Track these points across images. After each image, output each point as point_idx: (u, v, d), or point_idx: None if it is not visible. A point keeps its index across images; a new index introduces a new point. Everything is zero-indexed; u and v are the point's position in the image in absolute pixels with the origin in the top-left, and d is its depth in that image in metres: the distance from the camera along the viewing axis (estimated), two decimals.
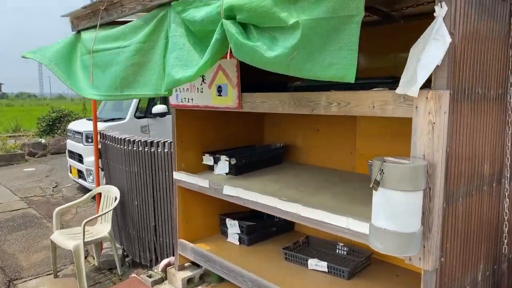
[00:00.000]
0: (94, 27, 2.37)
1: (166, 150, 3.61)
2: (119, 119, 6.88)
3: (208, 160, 3.06)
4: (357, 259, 2.72)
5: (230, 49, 1.53)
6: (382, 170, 1.47)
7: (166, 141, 3.65)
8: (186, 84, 2.83)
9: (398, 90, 1.57)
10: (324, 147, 3.12)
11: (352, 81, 1.33)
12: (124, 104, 7.31)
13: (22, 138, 13.41)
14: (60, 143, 11.06)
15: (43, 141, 11.67)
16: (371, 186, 1.49)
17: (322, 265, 2.62)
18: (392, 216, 1.48)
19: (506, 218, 2.12)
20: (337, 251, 2.89)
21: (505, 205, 2.12)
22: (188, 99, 2.84)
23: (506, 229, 2.13)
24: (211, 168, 3.12)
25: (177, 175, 3.02)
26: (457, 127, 1.64)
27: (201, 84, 2.70)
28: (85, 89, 2.14)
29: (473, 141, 1.78)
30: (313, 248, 3.00)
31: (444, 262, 1.67)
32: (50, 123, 12.69)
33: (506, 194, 2.10)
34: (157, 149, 3.67)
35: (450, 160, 1.61)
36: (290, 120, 3.35)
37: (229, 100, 2.51)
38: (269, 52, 1.38)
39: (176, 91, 2.94)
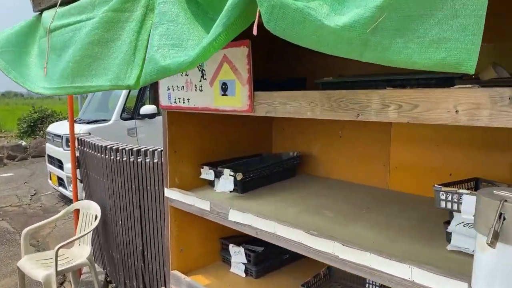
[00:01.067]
0: (61, 4, 1.79)
1: (156, 161, 3.04)
2: (104, 120, 6.28)
3: (207, 174, 2.50)
4: None
5: (259, 17, 0.96)
6: (503, 214, 0.93)
7: (156, 150, 3.07)
8: (179, 79, 2.26)
9: None
10: (349, 158, 2.57)
11: (472, 70, 0.78)
12: (109, 104, 6.71)
13: (1, 139, 12.66)
14: (41, 145, 10.38)
15: (23, 143, 10.96)
16: (488, 243, 0.93)
17: None
18: None
19: None
20: (367, 285, 2.35)
21: None
22: (184, 99, 2.27)
23: None
24: (211, 184, 2.55)
25: (170, 193, 2.46)
26: None
27: (200, 81, 2.14)
28: (34, 82, 1.56)
29: None
30: (337, 282, 2.45)
31: None
32: (32, 124, 11.97)
33: None
34: (145, 159, 3.09)
35: None
36: (306, 124, 2.80)
37: (237, 101, 1.95)
38: (334, 18, 0.82)
39: (169, 89, 2.36)
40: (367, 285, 2.35)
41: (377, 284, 2.32)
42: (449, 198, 1.42)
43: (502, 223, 0.92)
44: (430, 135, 2.18)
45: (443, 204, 1.45)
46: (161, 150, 2.94)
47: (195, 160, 2.56)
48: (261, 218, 1.88)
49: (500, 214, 0.92)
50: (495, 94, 1.13)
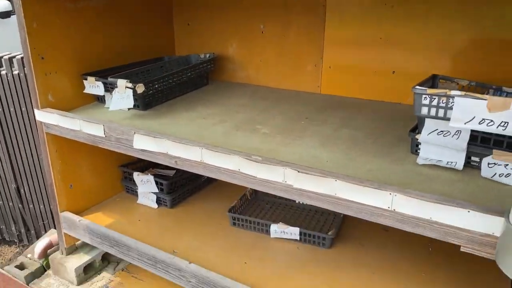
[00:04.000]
0: None
1: (16, 72, 2.25)
2: None
3: (94, 87, 1.87)
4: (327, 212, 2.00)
5: None
6: None
7: (15, 57, 2.26)
8: None
9: None
10: (274, 59, 2.14)
11: None
12: None
13: None
14: None
15: None
16: None
17: (292, 232, 1.83)
18: None
19: None
20: (297, 201, 2.12)
21: None
22: None
23: None
24: (101, 100, 1.95)
25: (43, 116, 1.80)
26: None
27: None
28: None
29: None
30: (264, 200, 2.18)
31: None
32: None
33: None
34: None
35: None
36: (216, 17, 2.24)
37: None
38: None
39: None
40: (296, 200, 2.12)
41: None
42: (435, 103, 1.12)
43: None
44: (370, 32, 1.83)
45: (425, 110, 1.15)
46: (22, 57, 2.16)
47: (74, 69, 1.89)
48: (181, 144, 1.41)
49: None
50: None
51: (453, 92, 1.06)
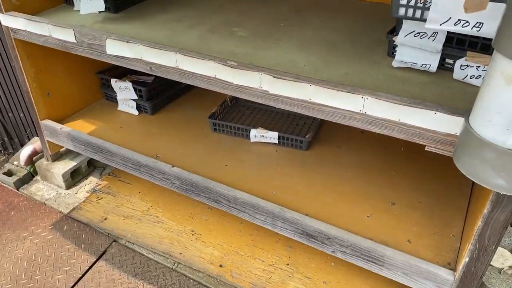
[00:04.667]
0: None
1: None
2: None
3: None
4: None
5: None
6: None
7: None
8: None
9: None
10: None
11: None
12: None
13: None
14: None
15: None
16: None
17: (271, 136, 1.89)
18: None
19: None
20: None
21: None
22: None
23: None
24: (69, 2, 1.84)
25: (8, 20, 1.71)
26: None
27: None
28: None
29: None
30: (244, 106, 2.20)
31: None
32: None
33: None
34: None
35: None
36: None
37: None
38: None
39: None
40: None
41: None
42: (412, 3, 1.09)
43: None
44: None
45: (402, 11, 1.12)
46: None
47: None
48: (155, 49, 1.37)
49: None
50: None
51: None
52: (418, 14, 1.10)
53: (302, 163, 1.80)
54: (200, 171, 1.70)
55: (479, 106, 0.74)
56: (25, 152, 2.23)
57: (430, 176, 1.68)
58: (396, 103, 1.03)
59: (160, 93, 2.16)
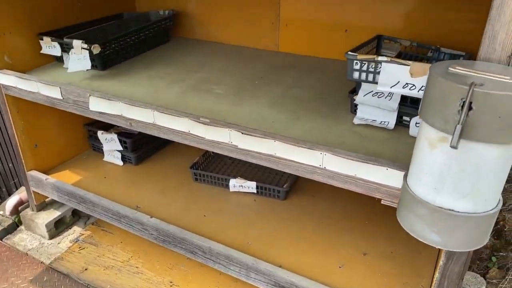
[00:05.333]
0: None
1: None
2: None
3: (51, 48, 1.87)
4: None
5: None
6: (471, 104, 0.69)
7: None
8: None
9: None
10: (232, 15, 2.15)
11: None
12: None
13: None
14: None
15: None
16: (454, 145, 0.70)
17: (249, 186, 1.94)
18: (473, 189, 0.77)
19: None
20: None
21: None
22: None
23: None
24: (60, 60, 1.95)
25: (1, 78, 1.81)
26: None
27: None
28: None
29: None
30: (226, 156, 2.26)
31: None
32: None
33: None
34: None
35: None
36: None
37: None
38: None
39: None
40: None
41: None
42: (364, 68, 1.19)
43: (467, 115, 0.69)
44: None
45: (356, 75, 1.22)
46: None
47: (30, 28, 1.87)
48: (134, 106, 1.46)
49: (466, 103, 0.69)
50: None
51: (380, 58, 1.13)
52: (370, 77, 1.20)
53: (279, 212, 1.84)
54: (179, 221, 1.74)
55: (412, 167, 0.82)
56: (10, 202, 2.27)
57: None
58: (351, 159, 1.11)
59: (144, 144, 2.24)
